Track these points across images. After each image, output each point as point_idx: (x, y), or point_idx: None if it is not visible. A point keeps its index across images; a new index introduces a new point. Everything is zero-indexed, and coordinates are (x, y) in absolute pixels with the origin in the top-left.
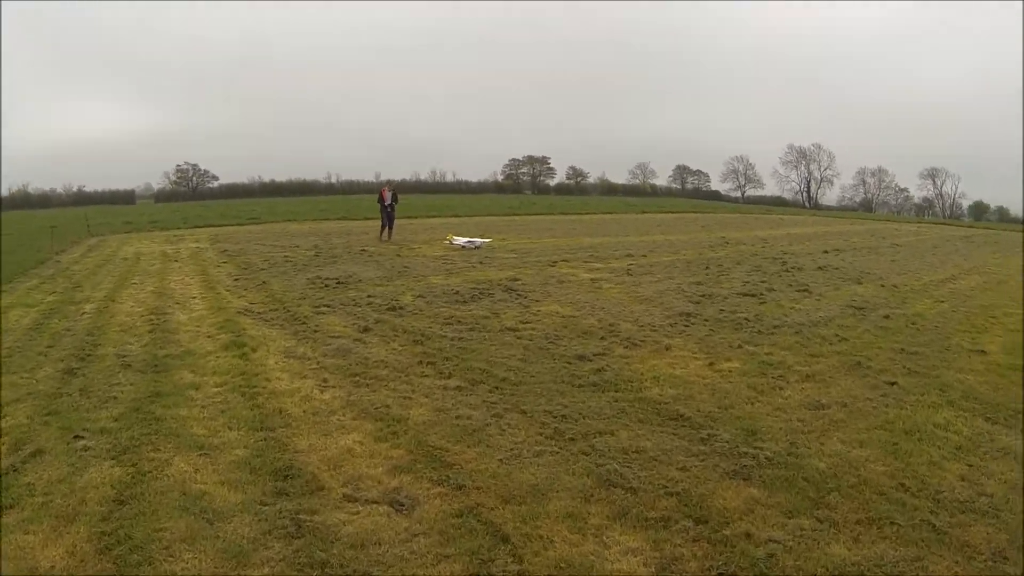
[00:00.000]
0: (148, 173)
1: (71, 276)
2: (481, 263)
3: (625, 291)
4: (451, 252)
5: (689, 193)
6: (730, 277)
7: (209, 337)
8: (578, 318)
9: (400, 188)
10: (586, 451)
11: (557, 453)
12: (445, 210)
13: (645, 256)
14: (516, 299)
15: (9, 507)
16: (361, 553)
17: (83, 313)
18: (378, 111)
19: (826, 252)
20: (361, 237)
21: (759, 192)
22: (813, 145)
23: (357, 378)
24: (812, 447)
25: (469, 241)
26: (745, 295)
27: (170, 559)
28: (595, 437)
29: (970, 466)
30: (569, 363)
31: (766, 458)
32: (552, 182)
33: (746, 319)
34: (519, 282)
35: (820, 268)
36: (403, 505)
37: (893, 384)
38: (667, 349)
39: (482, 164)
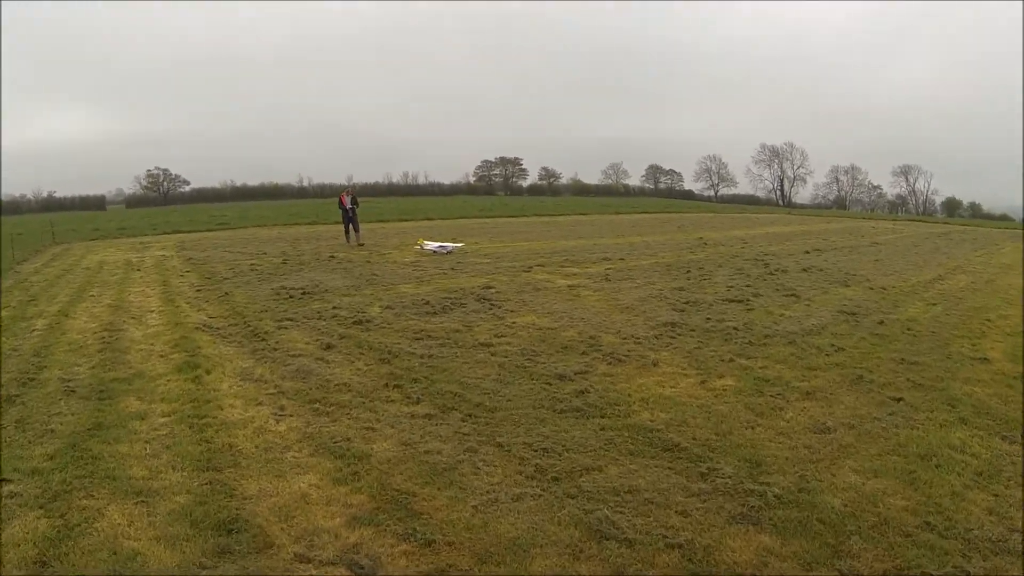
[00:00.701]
0: (120, 178)
1: (28, 288)
2: (453, 269)
3: (605, 299)
4: (422, 258)
5: (662, 193)
6: (713, 281)
7: (162, 357)
8: (556, 330)
9: (371, 191)
10: (572, 493)
11: (539, 497)
12: (417, 213)
13: (623, 260)
14: (490, 309)
15: None
16: None
17: (33, 331)
18: (350, 113)
19: (807, 252)
20: (331, 242)
21: (732, 191)
22: (786, 144)
23: (317, 405)
24: (823, 479)
25: (440, 246)
26: (731, 301)
27: None
28: (582, 475)
29: (995, 496)
30: (549, 384)
31: (775, 496)
32: (525, 183)
33: (735, 328)
34: (493, 290)
35: (805, 270)
36: (363, 568)
37: (899, 400)
38: (654, 365)
39: (454, 166)
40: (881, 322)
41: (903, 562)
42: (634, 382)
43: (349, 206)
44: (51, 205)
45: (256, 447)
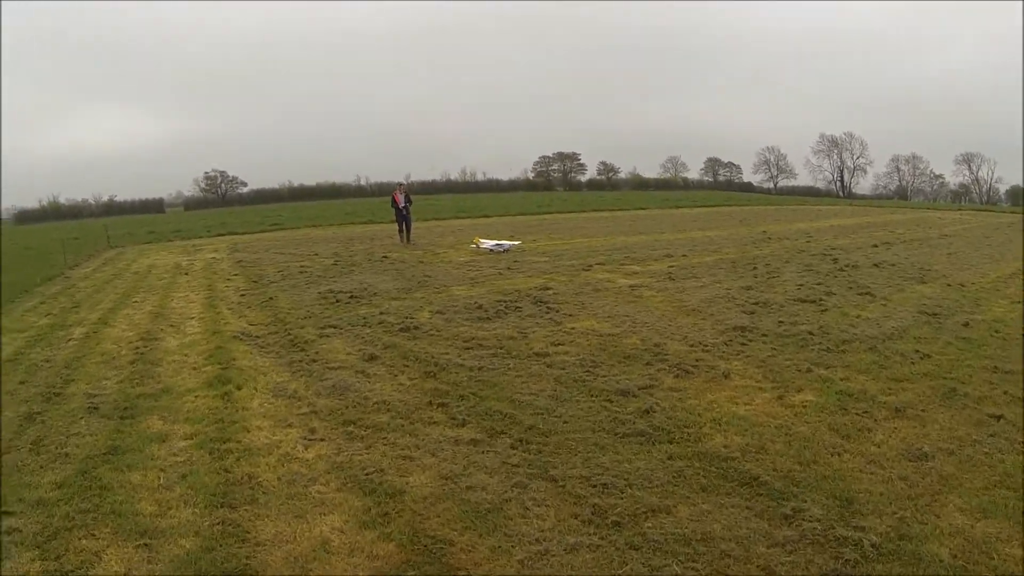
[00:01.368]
0: (181, 180)
1: (74, 294)
2: (509, 269)
3: (669, 300)
4: (477, 257)
5: (721, 185)
6: (782, 279)
7: (194, 369)
8: (618, 337)
9: (429, 189)
10: (635, 543)
11: (597, 548)
12: (474, 211)
13: (686, 256)
14: (547, 314)
15: None
16: None
17: (70, 340)
18: (407, 112)
19: (876, 246)
20: (385, 242)
21: (792, 183)
22: (845, 134)
23: (351, 427)
24: (926, 522)
25: (497, 244)
26: (803, 301)
27: None
28: (647, 518)
29: None
30: (610, 401)
31: (872, 546)
32: (583, 178)
33: (810, 333)
34: (550, 291)
35: (876, 265)
36: None
37: (999, 418)
38: (725, 377)
39: (513, 161)
40: (966, 324)
41: None
42: (704, 398)
43: (403, 204)
44: (111, 209)
45: (279, 479)
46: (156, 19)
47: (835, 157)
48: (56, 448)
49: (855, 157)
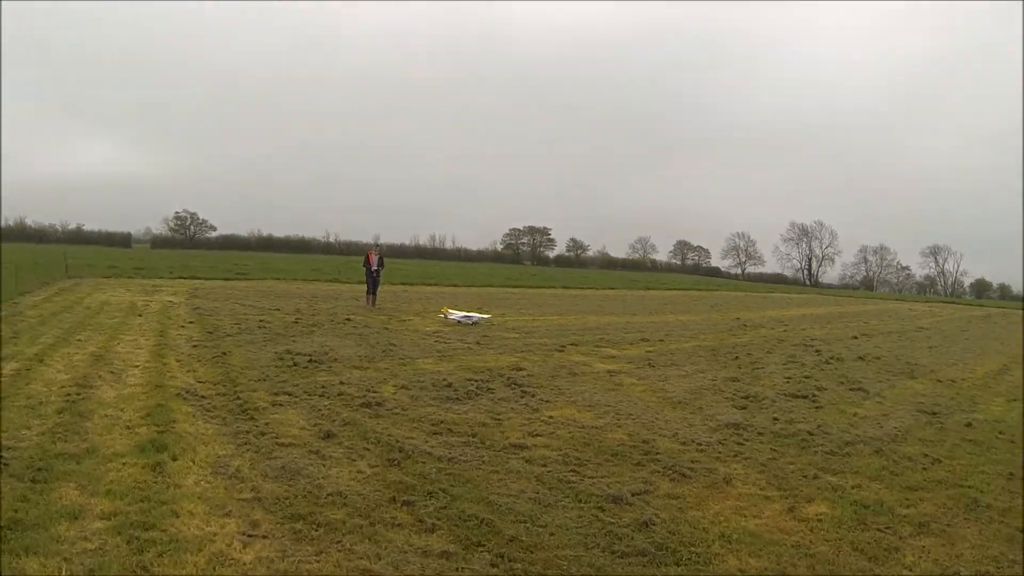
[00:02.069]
0: (154, 217)
1: (16, 323)
2: (479, 343)
3: (651, 389)
4: (445, 327)
5: (689, 269)
6: (767, 371)
7: (127, 429)
8: (602, 430)
9: (398, 253)
10: None
11: None
12: (442, 278)
13: (662, 341)
14: (521, 398)
15: None
16: None
17: None
18: (380, 172)
19: (855, 338)
20: (349, 303)
21: (760, 269)
22: (815, 222)
23: (300, 524)
24: None
25: (466, 316)
26: (795, 396)
27: None
28: None
29: None
30: (601, 509)
31: None
32: (552, 253)
33: (809, 432)
34: (523, 372)
35: (861, 358)
36: None
37: None
38: (727, 483)
39: (481, 231)
40: (968, 424)
41: None
42: (708, 508)
43: (376, 267)
44: (78, 238)
45: None
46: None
47: (804, 246)
48: None
49: (824, 246)
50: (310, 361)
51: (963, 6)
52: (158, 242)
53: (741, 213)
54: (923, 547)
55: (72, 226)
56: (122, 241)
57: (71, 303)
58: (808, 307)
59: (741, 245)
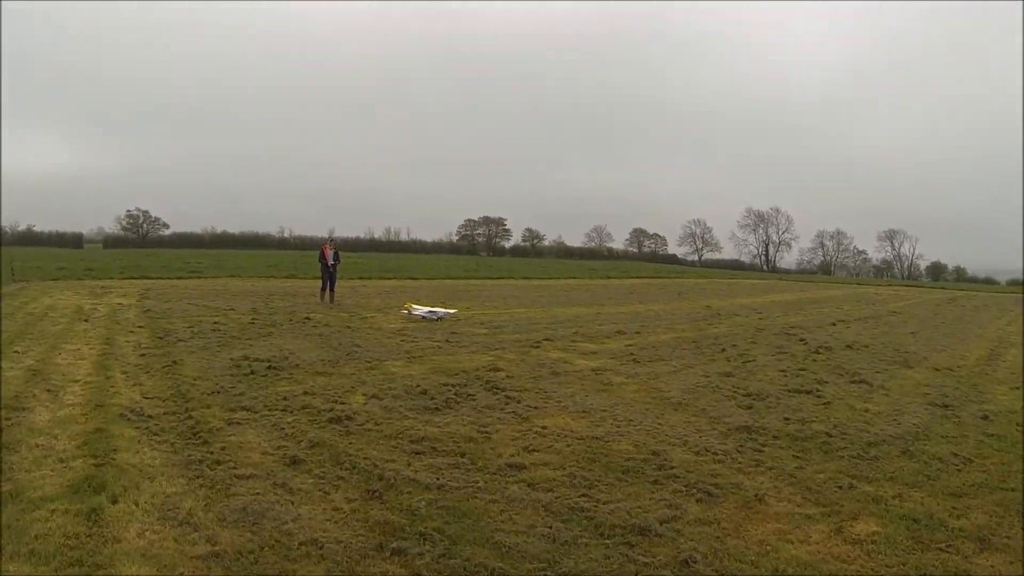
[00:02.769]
0: (105, 216)
1: None
2: (448, 341)
3: (644, 389)
4: (409, 324)
5: (646, 256)
6: (759, 364)
7: (60, 462)
8: (604, 440)
9: (352, 246)
10: None
11: None
12: (400, 272)
13: (639, 333)
14: (506, 404)
15: None
16: None
17: None
18: (333, 165)
19: (834, 324)
20: (307, 300)
21: (716, 256)
22: (772, 208)
23: None
24: None
25: (430, 311)
26: (798, 392)
27: None
28: None
29: None
30: (630, 545)
31: None
32: (508, 244)
33: (827, 434)
34: (502, 373)
35: (849, 347)
36: None
37: None
38: (759, 500)
39: (436, 223)
40: (984, 417)
41: None
42: (748, 535)
43: (332, 261)
44: (27, 239)
45: None
46: (91, 43)
47: (761, 231)
48: None
49: (781, 232)
50: (269, 368)
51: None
52: (110, 242)
53: (696, 202)
54: (992, 567)
55: (22, 227)
56: (73, 241)
57: (12, 310)
58: (774, 293)
59: (697, 232)
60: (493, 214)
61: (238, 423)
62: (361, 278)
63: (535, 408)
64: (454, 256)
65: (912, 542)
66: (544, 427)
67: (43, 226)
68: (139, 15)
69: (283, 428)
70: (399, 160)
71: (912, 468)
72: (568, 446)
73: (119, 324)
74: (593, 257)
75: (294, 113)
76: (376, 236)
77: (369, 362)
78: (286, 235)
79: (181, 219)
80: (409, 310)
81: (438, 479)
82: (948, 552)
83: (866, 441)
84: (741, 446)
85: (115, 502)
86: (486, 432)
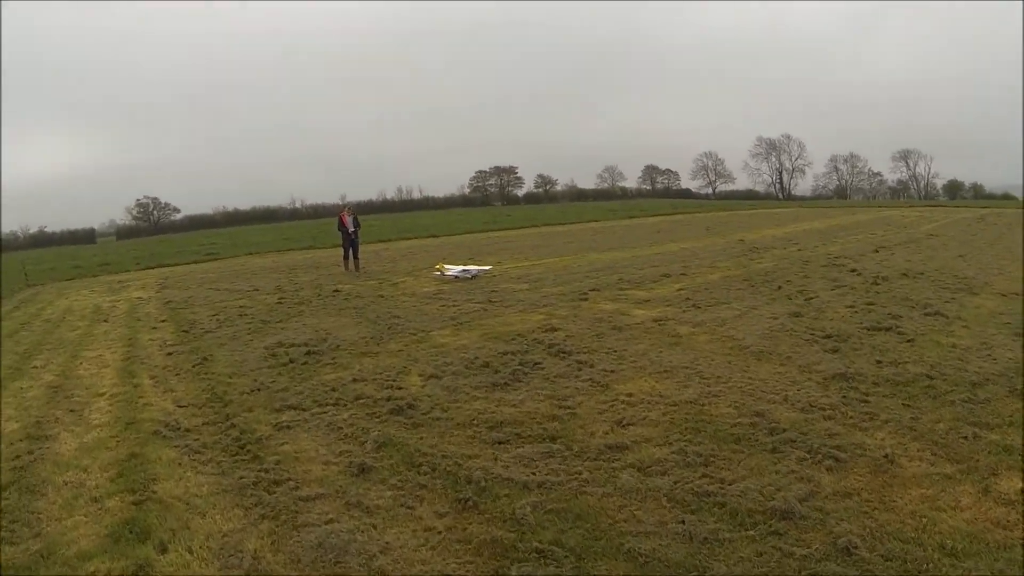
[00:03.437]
0: (114, 209)
1: None
2: (491, 302)
3: (717, 338)
4: (444, 286)
5: (659, 193)
6: (823, 300)
7: (95, 502)
8: (699, 405)
9: (366, 208)
10: None
11: None
12: (419, 231)
13: (685, 275)
14: (578, 370)
15: None
16: None
17: None
18: (335, 132)
19: (876, 251)
20: (332, 271)
21: (730, 187)
22: (782, 136)
23: None
24: None
25: (464, 270)
26: (876, 329)
27: None
28: None
29: None
30: (778, 535)
31: None
32: (520, 192)
33: (927, 376)
34: (561, 334)
35: (905, 275)
36: None
37: None
38: (891, 462)
39: (446, 179)
40: None
41: None
42: (897, 507)
43: (351, 227)
44: (41, 241)
45: None
46: (82, 43)
47: (773, 159)
48: None
49: (794, 159)
50: (308, 353)
51: None
52: (123, 233)
53: (706, 134)
54: None
55: (33, 230)
56: (87, 237)
57: (29, 317)
58: (801, 222)
59: (710, 165)
60: (503, 163)
61: (288, 426)
62: (381, 241)
63: (611, 372)
64: (468, 209)
65: None
66: (630, 394)
67: (54, 226)
68: None
69: (340, 427)
70: (401, 119)
71: None
72: (664, 415)
73: (140, 321)
74: (607, 198)
75: (294, 82)
76: (389, 197)
77: (414, 334)
78: (298, 206)
79: (191, 201)
80: (442, 271)
81: (534, 474)
82: None
83: (970, 382)
84: (845, 397)
85: (164, 551)
86: (568, 407)
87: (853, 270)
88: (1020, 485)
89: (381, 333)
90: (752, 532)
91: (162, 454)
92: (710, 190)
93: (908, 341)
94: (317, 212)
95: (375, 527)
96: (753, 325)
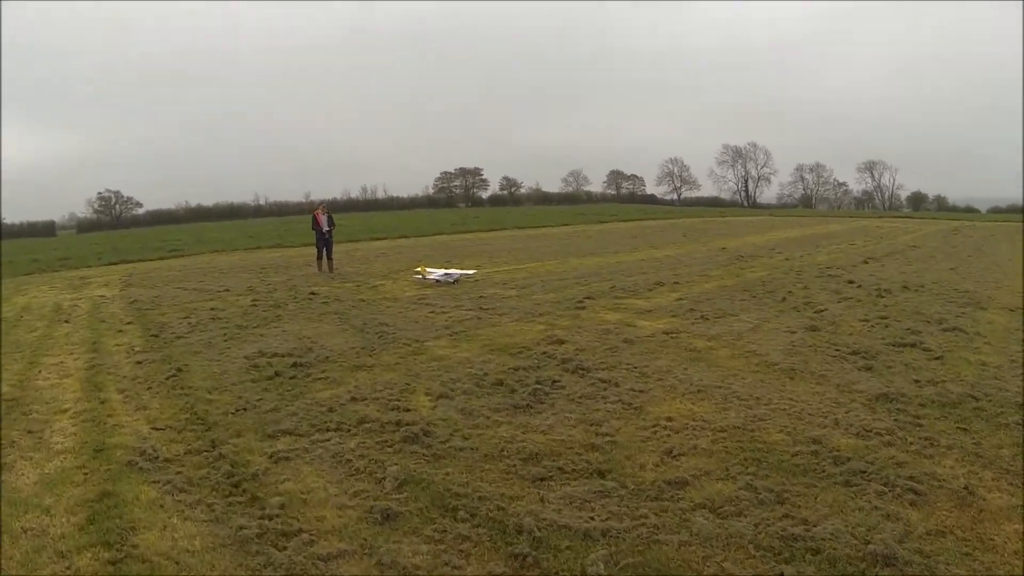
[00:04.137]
0: (75, 202)
1: None
2: (483, 308)
3: (738, 353)
4: (427, 290)
5: (624, 198)
6: (833, 313)
7: (62, 558)
8: (748, 431)
9: (331, 208)
10: None
11: None
12: (389, 231)
13: (678, 284)
14: (603, 390)
15: None
16: None
17: None
18: (298, 129)
19: (866, 263)
20: (304, 271)
21: (696, 194)
22: (749, 144)
23: None
24: None
25: (446, 274)
26: (901, 345)
27: None
28: None
29: None
30: None
31: None
32: (485, 194)
33: (971, 396)
34: (571, 348)
35: (906, 288)
36: None
37: None
38: (971, 494)
39: (410, 179)
40: None
41: None
42: (996, 545)
43: (326, 227)
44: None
45: None
46: (40, 28)
47: (739, 167)
48: None
49: (759, 167)
50: (294, 365)
51: None
52: (84, 226)
53: (671, 142)
54: None
55: None
56: (46, 230)
57: None
58: (777, 230)
59: (675, 171)
60: (468, 165)
61: (286, 457)
62: (351, 241)
63: (640, 392)
64: (433, 210)
65: None
66: (669, 419)
67: (13, 218)
68: None
69: (349, 460)
70: (362, 119)
71: None
72: (714, 443)
73: (105, 322)
74: (572, 202)
75: (256, 77)
76: (353, 196)
77: (408, 344)
78: (262, 203)
79: (150, 195)
80: (423, 274)
81: (592, 518)
82: None
83: (1016, 403)
84: (896, 420)
85: None
86: (606, 435)
87: (851, 281)
88: None
89: (372, 343)
90: None
91: (140, 492)
92: (675, 196)
93: (936, 358)
94: (282, 210)
95: None
96: (772, 339)
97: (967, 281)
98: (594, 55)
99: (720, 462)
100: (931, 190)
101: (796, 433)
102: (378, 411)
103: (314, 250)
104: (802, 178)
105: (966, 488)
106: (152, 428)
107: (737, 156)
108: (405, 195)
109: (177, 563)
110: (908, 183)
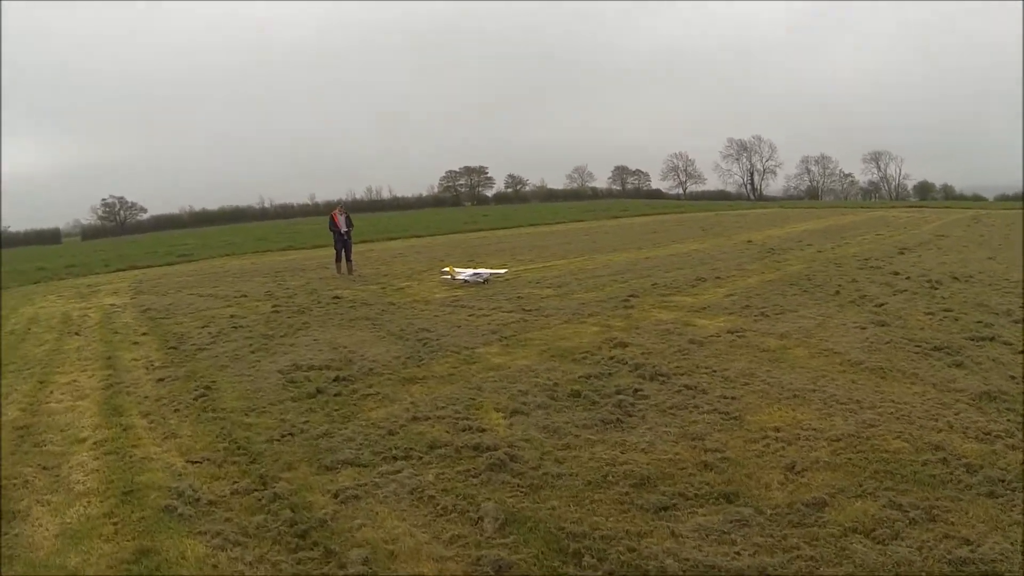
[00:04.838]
0: (80, 209)
1: None
2: (525, 310)
3: (816, 353)
4: (457, 291)
5: (630, 193)
6: (893, 307)
7: None
8: (864, 439)
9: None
10: None
11: None
12: (400, 230)
13: (720, 279)
14: (692, 398)
15: None
16: None
17: None
18: (300, 130)
19: (901, 253)
20: (322, 273)
21: (701, 188)
22: (753, 137)
23: None
24: None
25: (475, 273)
26: (979, 339)
27: None
28: None
29: None
30: None
31: None
32: (490, 192)
33: None
34: (636, 349)
35: (955, 279)
36: None
37: None
38: None
39: (413, 178)
40: None
41: None
42: None
43: (344, 228)
44: (4, 241)
45: None
46: (43, 41)
47: (744, 161)
48: None
49: (765, 160)
50: (336, 380)
51: None
52: (89, 233)
53: (676, 136)
54: None
55: None
56: (51, 237)
57: None
58: (796, 222)
59: (680, 165)
60: (472, 163)
61: (355, 496)
62: (364, 242)
63: (732, 399)
64: (440, 209)
65: None
66: (776, 428)
67: (18, 226)
68: None
69: (432, 496)
70: (364, 119)
71: None
72: (835, 454)
73: (118, 334)
74: (577, 198)
75: (260, 80)
76: (358, 196)
77: (457, 352)
78: (267, 205)
79: (154, 200)
80: (451, 274)
81: (739, 553)
82: None
83: None
84: (1011, 421)
85: None
86: (714, 450)
87: (896, 273)
88: None
89: (416, 351)
90: None
91: (185, 548)
92: (681, 191)
93: (1021, 352)
94: (287, 212)
95: None
96: (844, 336)
97: (1011, 271)
98: (594, 54)
99: (850, 476)
100: (935, 179)
101: (915, 440)
102: (447, 433)
103: (331, 252)
104: (808, 170)
105: None
106: (187, 461)
107: (742, 149)
108: (410, 195)
109: None
110: (913, 173)
